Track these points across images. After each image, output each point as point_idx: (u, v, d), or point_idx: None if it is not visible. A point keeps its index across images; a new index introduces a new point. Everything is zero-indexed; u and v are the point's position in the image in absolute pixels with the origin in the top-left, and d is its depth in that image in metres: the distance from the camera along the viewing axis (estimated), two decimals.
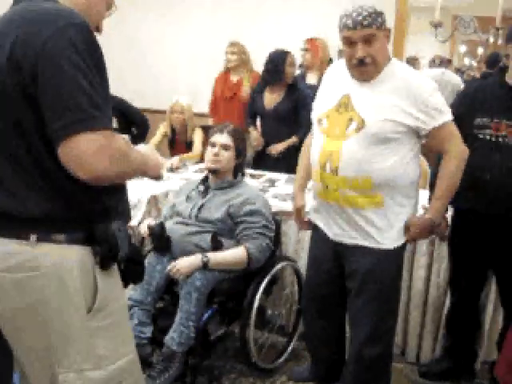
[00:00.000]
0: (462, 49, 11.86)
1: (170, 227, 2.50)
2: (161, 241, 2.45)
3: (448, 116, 2.01)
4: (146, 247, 2.64)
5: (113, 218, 1.37)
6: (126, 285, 1.50)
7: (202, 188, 2.63)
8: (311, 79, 4.16)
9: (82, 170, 1.22)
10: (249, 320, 2.40)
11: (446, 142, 2.03)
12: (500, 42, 6.72)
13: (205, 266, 2.34)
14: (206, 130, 3.91)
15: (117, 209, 1.41)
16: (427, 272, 2.64)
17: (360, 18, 1.89)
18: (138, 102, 3.77)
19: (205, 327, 2.36)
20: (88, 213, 1.33)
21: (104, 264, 1.36)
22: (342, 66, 2.10)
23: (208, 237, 2.45)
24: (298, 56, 4.38)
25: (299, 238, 2.84)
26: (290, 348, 2.78)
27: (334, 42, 4.09)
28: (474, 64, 11.37)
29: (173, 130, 4.00)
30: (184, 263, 2.35)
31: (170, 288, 2.48)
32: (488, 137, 2.24)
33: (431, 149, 2.09)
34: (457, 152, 2.05)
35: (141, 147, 1.50)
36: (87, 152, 1.20)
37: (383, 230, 2.04)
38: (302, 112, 3.64)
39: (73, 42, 1.20)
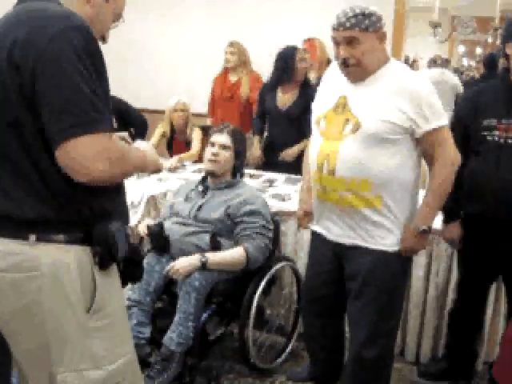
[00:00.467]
0: (461, 49, 11.89)
1: (169, 227, 2.50)
2: (159, 241, 2.45)
3: (443, 121, 1.98)
4: (144, 247, 2.64)
5: (112, 219, 1.37)
6: (124, 284, 1.50)
7: (201, 188, 2.63)
8: (312, 79, 4.15)
9: (81, 173, 1.22)
10: (247, 320, 2.40)
11: (439, 148, 1.99)
12: (498, 42, 6.73)
13: (203, 266, 2.34)
14: (205, 130, 3.92)
15: (115, 209, 1.40)
16: (426, 272, 2.64)
17: (344, 19, 1.91)
18: (135, 102, 3.80)
19: (203, 327, 2.36)
20: (86, 214, 1.33)
21: (103, 264, 1.36)
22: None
23: (207, 237, 2.45)
24: None
25: (298, 238, 2.84)
26: (288, 348, 2.78)
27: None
28: (473, 64, 11.38)
29: (172, 130, 4.00)
30: (183, 263, 2.35)
31: (168, 288, 2.48)
32: (496, 138, 2.20)
33: (424, 153, 2.04)
34: (449, 158, 2.00)
35: (138, 143, 1.50)
36: (86, 155, 1.20)
37: (381, 232, 2.04)
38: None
39: (73, 45, 1.20)
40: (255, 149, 3.93)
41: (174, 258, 2.42)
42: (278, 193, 3.10)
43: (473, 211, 2.33)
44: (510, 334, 1.97)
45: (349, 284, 2.15)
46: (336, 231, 2.13)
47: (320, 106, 2.13)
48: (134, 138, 1.61)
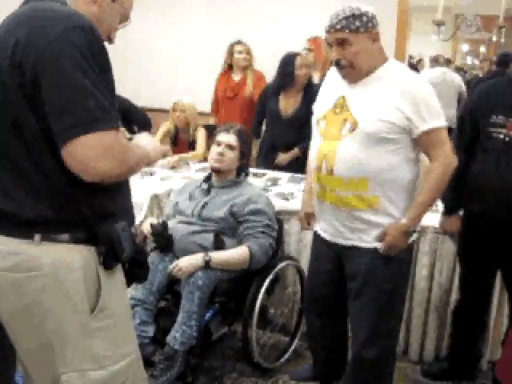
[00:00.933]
0: (465, 48, 11.85)
1: (173, 226, 2.50)
2: (163, 240, 2.45)
3: (440, 122, 1.97)
4: (147, 246, 2.64)
5: (117, 218, 1.36)
6: (129, 284, 1.49)
7: (205, 186, 2.63)
8: (314, 78, 4.14)
9: (87, 172, 1.22)
10: (251, 319, 2.40)
11: (435, 149, 1.97)
12: (503, 40, 6.71)
13: (207, 265, 2.34)
14: (209, 130, 3.92)
15: (119, 209, 1.40)
16: (430, 271, 2.63)
17: (335, 21, 1.92)
18: (137, 101, 3.80)
19: (207, 326, 2.36)
20: (87, 214, 1.32)
21: (107, 264, 1.35)
22: None
23: (210, 236, 2.44)
24: None
25: (301, 237, 2.84)
26: (291, 348, 2.77)
27: None
28: (477, 63, 11.35)
29: (176, 129, 4.01)
30: (186, 262, 2.35)
31: (171, 287, 2.47)
32: (502, 136, 2.18)
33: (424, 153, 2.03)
34: (444, 160, 1.98)
35: (138, 137, 1.50)
36: (92, 154, 1.19)
37: (379, 232, 2.03)
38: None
39: (76, 44, 1.20)
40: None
41: (177, 257, 2.42)
42: (281, 192, 3.10)
43: (473, 210, 2.33)
44: None
45: (349, 284, 2.15)
46: (334, 232, 2.13)
47: (320, 107, 2.14)
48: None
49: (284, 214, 2.82)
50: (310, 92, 3.64)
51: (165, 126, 4.02)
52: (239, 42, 4.31)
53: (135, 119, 3.51)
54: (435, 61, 6.64)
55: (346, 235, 2.09)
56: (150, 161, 1.48)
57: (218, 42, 4.47)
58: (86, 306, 1.32)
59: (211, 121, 4.51)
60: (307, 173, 2.36)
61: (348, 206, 2.02)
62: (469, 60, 12.33)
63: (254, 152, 3.91)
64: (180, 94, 3.99)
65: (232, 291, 2.47)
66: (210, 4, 5.18)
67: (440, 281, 2.63)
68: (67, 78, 1.18)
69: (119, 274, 1.43)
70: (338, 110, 2.03)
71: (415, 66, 7.95)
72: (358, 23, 1.91)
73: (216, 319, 2.43)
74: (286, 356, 2.74)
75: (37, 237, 1.28)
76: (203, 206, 2.53)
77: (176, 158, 3.74)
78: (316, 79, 4.08)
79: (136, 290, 2.40)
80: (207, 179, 2.67)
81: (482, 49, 11.11)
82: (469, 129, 2.29)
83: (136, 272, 1.49)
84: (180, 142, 4.04)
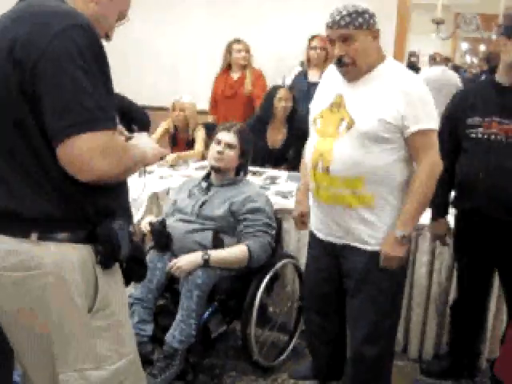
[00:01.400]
0: (464, 46, 11.85)
1: (172, 224, 2.50)
2: (161, 238, 2.45)
3: (432, 124, 1.96)
4: (147, 244, 2.64)
5: (114, 217, 1.35)
6: (127, 283, 1.49)
7: (204, 185, 2.63)
8: (313, 77, 4.14)
9: (82, 172, 1.22)
10: (250, 318, 2.40)
11: (423, 151, 1.95)
12: None
13: (206, 264, 2.34)
14: (208, 128, 3.91)
15: (119, 208, 1.39)
16: (429, 269, 2.64)
17: (338, 17, 1.91)
18: (138, 100, 3.78)
19: (206, 325, 2.36)
20: (90, 212, 1.32)
21: (105, 263, 1.35)
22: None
23: (209, 234, 2.44)
24: (299, 55, 4.39)
25: (300, 235, 2.83)
26: (291, 346, 2.77)
27: None
28: (476, 62, 11.35)
29: (175, 128, 4.00)
30: (185, 261, 2.35)
31: (170, 286, 2.48)
32: (480, 135, 2.24)
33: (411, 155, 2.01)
34: (430, 163, 1.96)
35: (137, 137, 1.48)
36: (87, 154, 1.19)
37: (374, 231, 2.03)
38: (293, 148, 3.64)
39: (76, 43, 1.19)
40: None
41: (176, 256, 2.42)
42: (280, 190, 3.10)
43: (465, 209, 2.37)
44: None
45: (346, 282, 2.15)
46: (329, 231, 2.13)
47: (317, 106, 2.14)
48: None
49: (283, 213, 2.82)
50: (293, 125, 3.67)
51: (164, 125, 4.02)
52: (238, 41, 4.30)
53: (135, 118, 3.50)
54: (433, 59, 6.65)
55: (340, 234, 2.09)
56: (148, 162, 1.47)
57: (219, 42, 4.46)
58: (86, 305, 1.32)
59: (210, 119, 4.51)
60: (301, 172, 2.36)
61: (343, 203, 2.02)
62: (468, 59, 12.33)
63: None
64: (181, 93, 3.98)
65: (231, 289, 2.47)
66: (210, 3, 5.17)
67: (439, 279, 2.63)
68: (68, 78, 1.18)
69: (117, 274, 1.42)
70: (335, 108, 2.03)
71: (415, 65, 7.95)
72: (361, 20, 1.91)
73: (215, 317, 2.43)
74: (285, 354, 2.74)
75: (33, 236, 1.27)
76: (202, 205, 2.53)
77: (175, 156, 3.73)
78: (316, 77, 4.06)
79: (135, 289, 2.40)
80: (206, 177, 2.66)
81: (482, 47, 11.10)
82: (448, 134, 2.33)
83: (134, 270, 1.48)
84: (179, 141, 4.03)
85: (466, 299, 2.50)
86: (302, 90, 4.00)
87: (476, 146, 2.25)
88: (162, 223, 2.46)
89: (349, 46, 1.93)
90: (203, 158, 3.80)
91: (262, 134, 3.72)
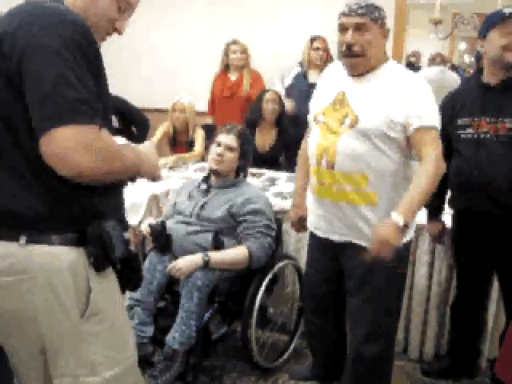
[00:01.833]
0: (462, 46, 11.85)
1: (171, 226, 2.50)
2: (161, 240, 2.45)
3: (434, 122, 1.94)
4: (146, 246, 2.64)
5: (107, 217, 1.32)
6: (123, 290, 1.45)
7: (204, 186, 2.63)
8: (313, 77, 4.14)
9: (64, 166, 1.17)
10: (250, 319, 2.40)
11: (426, 147, 1.90)
12: None
13: (206, 265, 2.34)
14: (207, 130, 3.91)
15: (108, 209, 1.35)
16: (429, 269, 2.64)
17: (356, 6, 1.94)
18: (136, 101, 3.79)
19: (206, 326, 2.36)
20: (80, 213, 1.29)
21: (98, 264, 1.31)
22: (338, 66, 2.12)
23: (209, 236, 2.44)
24: (297, 55, 4.38)
25: (300, 236, 2.84)
26: (291, 347, 2.78)
27: (334, 41, 4.11)
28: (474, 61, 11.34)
29: (174, 129, 4.00)
30: (185, 262, 2.35)
31: (170, 287, 2.48)
32: (470, 135, 2.27)
33: (414, 152, 1.97)
34: (436, 159, 1.90)
35: (141, 146, 1.44)
36: (69, 147, 1.15)
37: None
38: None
39: (64, 38, 1.18)
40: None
41: (176, 257, 2.42)
42: (279, 191, 3.10)
43: (460, 208, 2.40)
44: None
45: (346, 281, 2.16)
46: (329, 228, 2.13)
47: (318, 104, 2.14)
48: (135, 137, 1.59)
49: (282, 214, 2.82)
50: (282, 127, 3.84)
51: (163, 127, 4.02)
52: (235, 42, 4.31)
53: (134, 120, 3.50)
54: (432, 60, 6.65)
55: (342, 231, 2.09)
56: (141, 173, 1.41)
57: (218, 42, 4.47)
58: (78, 310, 1.29)
59: (209, 120, 4.51)
60: (297, 174, 2.36)
61: (347, 200, 2.02)
62: (466, 58, 12.32)
63: None
64: (182, 94, 3.98)
65: (231, 291, 2.47)
66: (209, 4, 5.17)
67: (439, 279, 2.63)
68: (48, 69, 1.16)
69: (111, 277, 1.38)
70: (337, 105, 2.03)
71: (414, 65, 7.95)
72: (377, 14, 1.95)
73: (215, 319, 2.43)
74: (286, 355, 2.74)
75: (22, 239, 1.24)
76: (202, 206, 2.53)
77: (174, 157, 3.73)
78: (316, 78, 4.06)
79: (135, 291, 2.40)
80: (206, 179, 2.67)
81: (479, 47, 11.09)
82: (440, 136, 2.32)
83: (129, 277, 1.44)
84: (179, 142, 4.03)
85: (466, 299, 2.51)
86: (302, 91, 4.01)
87: (467, 145, 2.28)
88: (162, 225, 2.46)
89: (361, 35, 1.94)
90: (203, 159, 3.80)
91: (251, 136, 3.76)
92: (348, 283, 2.15)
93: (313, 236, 2.27)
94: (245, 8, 4.99)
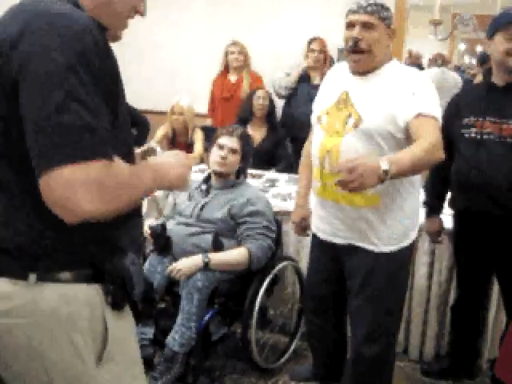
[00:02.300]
0: (462, 47, 11.85)
1: (171, 228, 2.50)
2: (161, 241, 2.45)
3: (435, 112, 1.89)
4: (147, 248, 2.64)
5: (124, 251, 1.19)
6: (137, 322, 1.32)
7: (204, 187, 2.63)
8: (313, 79, 4.14)
9: (66, 213, 0.99)
10: (250, 320, 2.40)
11: (425, 134, 1.81)
12: None
13: (206, 267, 2.34)
14: (206, 132, 3.92)
15: (129, 241, 1.22)
16: (429, 270, 2.64)
17: (365, 4, 1.95)
18: (136, 103, 3.79)
19: (206, 328, 2.36)
20: (95, 246, 1.15)
21: (116, 304, 1.18)
22: (342, 67, 2.12)
23: (209, 237, 2.44)
24: (297, 55, 4.38)
25: (300, 237, 2.83)
26: (291, 348, 2.78)
27: (333, 41, 4.12)
28: (474, 62, 11.35)
29: (173, 131, 4.01)
30: (185, 264, 2.35)
31: (170, 289, 2.48)
32: (473, 135, 2.27)
33: (410, 141, 1.88)
34: (434, 142, 1.79)
35: (161, 156, 1.30)
36: (73, 191, 0.96)
37: (380, 232, 2.02)
38: (280, 149, 3.94)
39: (66, 45, 1.00)
40: None
41: (176, 259, 2.42)
42: (279, 192, 3.10)
43: (460, 208, 2.40)
44: None
45: (348, 282, 2.15)
46: (332, 230, 2.13)
47: (321, 104, 2.14)
48: (136, 138, 1.59)
49: (282, 215, 2.82)
50: (274, 128, 3.97)
51: (163, 129, 4.02)
52: (233, 43, 4.31)
53: (135, 123, 3.51)
54: (433, 61, 6.66)
55: (345, 234, 2.08)
56: (170, 185, 1.26)
57: (218, 43, 4.47)
58: (92, 355, 1.16)
59: (209, 122, 4.51)
60: (300, 175, 2.36)
61: (350, 203, 2.01)
62: (466, 59, 12.32)
63: None
64: (182, 96, 3.98)
65: (231, 292, 2.47)
66: (209, 4, 5.18)
67: (439, 280, 2.63)
68: (46, 86, 0.97)
69: (128, 314, 1.25)
70: (341, 105, 2.03)
71: (417, 63, 7.94)
72: (385, 14, 1.96)
73: (215, 320, 2.43)
74: (286, 356, 2.74)
75: (32, 277, 1.10)
76: (202, 208, 2.53)
77: None
78: (318, 80, 4.06)
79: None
80: (206, 180, 2.67)
81: (479, 48, 11.10)
82: (443, 136, 2.32)
83: (145, 309, 1.30)
84: (178, 144, 4.04)
85: (466, 299, 2.51)
86: (304, 93, 4.02)
87: (468, 145, 2.28)
88: (162, 226, 2.46)
89: (368, 32, 1.95)
90: (202, 160, 3.81)
91: None
92: (349, 283, 2.15)
93: (314, 237, 2.27)
94: (245, 8, 4.99)
